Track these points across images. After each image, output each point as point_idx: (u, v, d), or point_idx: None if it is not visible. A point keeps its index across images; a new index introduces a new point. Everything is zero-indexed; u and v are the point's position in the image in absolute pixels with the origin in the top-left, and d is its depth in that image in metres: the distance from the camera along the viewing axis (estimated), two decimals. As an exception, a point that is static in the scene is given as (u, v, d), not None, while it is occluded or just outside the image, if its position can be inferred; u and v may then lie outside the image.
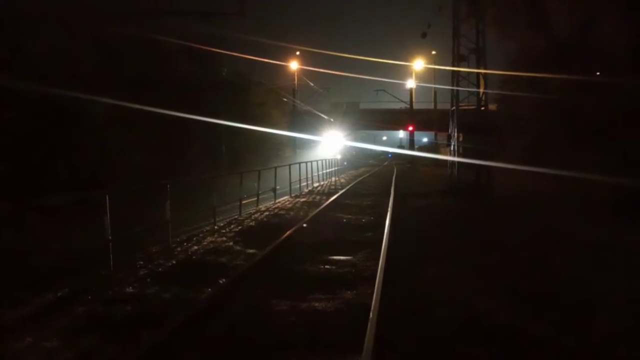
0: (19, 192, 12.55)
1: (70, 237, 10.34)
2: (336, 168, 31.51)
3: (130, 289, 5.95)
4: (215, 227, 10.51)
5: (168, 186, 8.56)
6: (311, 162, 23.29)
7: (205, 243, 8.83)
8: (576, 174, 14.58)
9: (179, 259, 7.56)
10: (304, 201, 15.92)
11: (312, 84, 41.56)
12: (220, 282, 6.11)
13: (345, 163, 42.28)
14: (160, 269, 6.93)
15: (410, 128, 45.10)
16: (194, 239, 9.26)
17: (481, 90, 17.72)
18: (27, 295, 5.65)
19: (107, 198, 6.70)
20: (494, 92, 23.47)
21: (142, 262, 7.30)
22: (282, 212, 13.30)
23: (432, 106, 47.48)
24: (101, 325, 4.80)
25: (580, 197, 14.24)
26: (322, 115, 42.32)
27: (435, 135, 48.29)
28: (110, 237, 6.72)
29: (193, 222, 12.34)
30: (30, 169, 14.13)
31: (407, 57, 49.10)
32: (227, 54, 23.61)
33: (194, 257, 7.77)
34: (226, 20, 22.29)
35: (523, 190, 17.58)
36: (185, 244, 8.78)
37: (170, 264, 7.23)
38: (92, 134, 16.46)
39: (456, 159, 18.38)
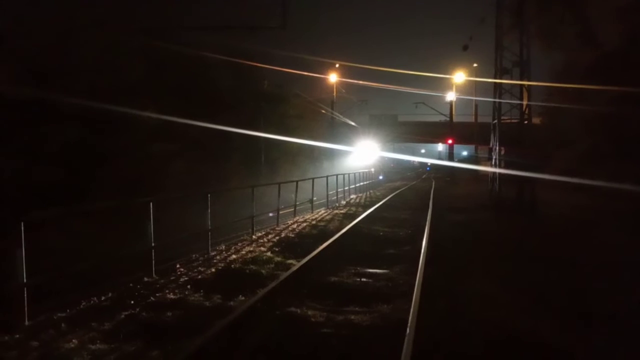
0: (69, 198, 13.16)
1: (114, 241, 10.71)
2: (371, 181, 31.27)
3: (171, 295, 6.11)
4: (254, 237, 10.66)
5: (209, 196, 8.75)
6: (348, 174, 23.30)
7: (243, 252, 8.96)
8: (630, 186, 13.95)
9: (218, 267, 7.70)
10: (340, 213, 15.91)
11: (348, 95, 41.64)
12: (258, 291, 6.18)
13: (380, 177, 41.12)
14: (200, 277, 7.08)
15: (450, 141, 44.42)
16: (233, 248, 9.42)
17: (524, 102, 17.31)
18: (74, 298, 5.89)
19: (151, 206, 6.92)
20: (538, 104, 22.86)
21: (182, 270, 7.49)
22: (318, 223, 13.34)
23: (472, 119, 46.71)
24: (144, 329, 4.94)
25: (631, 215, 13.60)
26: (354, 125, 42.05)
27: (476, 148, 47.38)
28: (153, 244, 6.94)
29: (232, 231, 12.55)
30: (80, 176, 14.78)
31: (448, 69, 48.65)
32: (267, 67, 24.08)
33: (232, 265, 7.90)
34: (267, 34, 22.77)
35: (569, 206, 16.95)
36: (224, 252, 8.94)
37: (209, 272, 7.38)
38: (138, 144, 17.08)
39: (497, 169, 17.97)
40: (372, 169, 34.50)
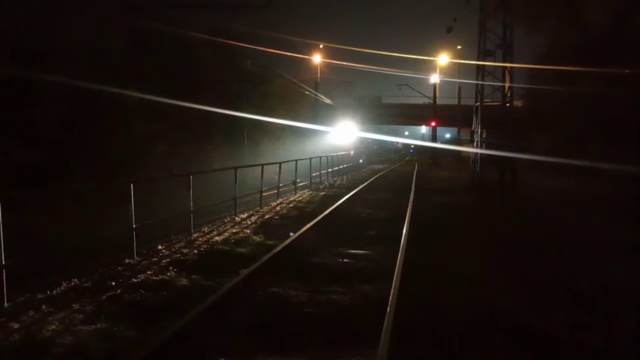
0: (51, 179, 12.96)
1: (96, 222, 10.63)
2: (352, 164, 31.28)
3: (153, 277, 6.10)
4: (237, 219, 10.65)
5: (191, 177, 8.69)
6: (332, 155, 23.34)
7: (226, 234, 8.97)
8: (609, 165, 14.23)
9: (200, 249, 7.70)
10: (323, 195, 15.97)
11: (332, 77, 41.37)
12: (241, 272, 6.21)
13: (361, 161, 40.05)
14: (182, 258, 7.08)
15: (433, 123, 44.63)
16: (216, 229, 9.41)
17: (507, 84, 17.45)
18: (55, 279, 5.85)
19: (132, 187, 6.86)
20: (520, 85, 23.08)
21: (164, 251, 7.47)
22: (301, 205, 13.38)
23: (455, 102, 46.95)
24: (126, 311, 4.94)
25: (609, 196, 13.93)
26: (332, 104, 41.48)
27: (459, 131, 47.79)
28: (134, 226, 6.89)
29: (215, 212, 12.53)
30: (62, 157, 14.53)
31: (432, 51, 48.59)
32: (250, 47, 23.80)
33: (215, 247, 7.90)
34: (251, 13, 22.44)
35: (549, 188, 17.28)
36: (206, 234, 8.93)
37: (192, 253, 7.38)
38: (120, 125, 16.82)
39: (479, 150, 18.19)
40: (352, 152, 34.31)
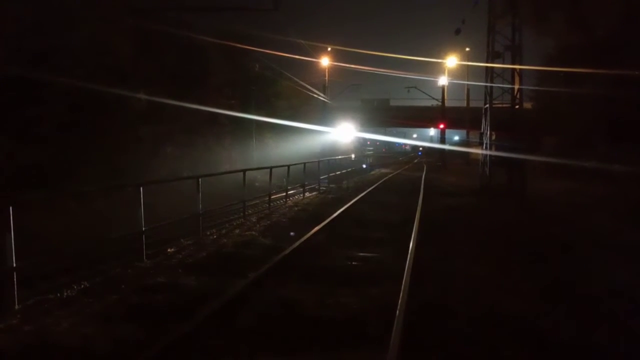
0: (55, 180, 13.05)
1: (102, 223, 10.66)
2: (362, 167, 31.15)
3: (162, 279, 6.12)
4: (245, 221, 10.66)
5: (199, 180, 8.72)
6: (340, 157, 23.39)
7: (235, 236, 8.98)
8: (616, 166, 14.09)
9: (209, 251, 7.71)
10: (331, 197, 15.93)
11: (340, 80, 41.39)
12: (249, 274, 6.21)
13: (364, 166, 36.99)
14: (191, 261, 7.10)
15: (442, 126, 44.44)
16: (224, 232, 9.43)
17: (516, 86, 17.34)
18: (65, 281, 5.89)
19: (142, 190, 6.89)
20: (530, 87, 22.93)
21: (173, 253, 7.49)
22: (310, 207, 13.36)
23: (464, 104, 46.73)
24: (135, 313, 4.95)
25: (619, 199, 13.79)
26: (331, 104, 41.05)
27: (467, 133, 47.53)
28: (143, 229, 6.91)
29: (223, 215, 12.55)
30: (67, 158, 14.60)
31: (441, 53, 48.39)
32: (259, 50, 23.89)
33: (223, 249, 7.91)
34: (261, 18, 22.54)
35: (558, 191, 17.14)
36: (215, 236, 8.95)
37: (201, 256, 7.39)
38: (127, 126, 16.89)
39: (488, 152, 18.08)
40: (353, 155, 33.93)
